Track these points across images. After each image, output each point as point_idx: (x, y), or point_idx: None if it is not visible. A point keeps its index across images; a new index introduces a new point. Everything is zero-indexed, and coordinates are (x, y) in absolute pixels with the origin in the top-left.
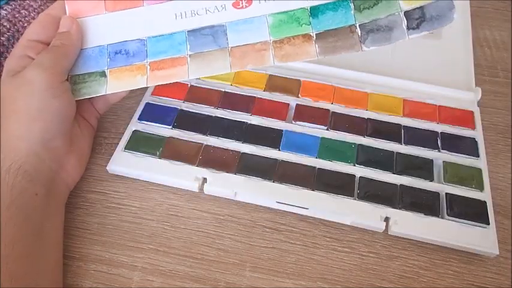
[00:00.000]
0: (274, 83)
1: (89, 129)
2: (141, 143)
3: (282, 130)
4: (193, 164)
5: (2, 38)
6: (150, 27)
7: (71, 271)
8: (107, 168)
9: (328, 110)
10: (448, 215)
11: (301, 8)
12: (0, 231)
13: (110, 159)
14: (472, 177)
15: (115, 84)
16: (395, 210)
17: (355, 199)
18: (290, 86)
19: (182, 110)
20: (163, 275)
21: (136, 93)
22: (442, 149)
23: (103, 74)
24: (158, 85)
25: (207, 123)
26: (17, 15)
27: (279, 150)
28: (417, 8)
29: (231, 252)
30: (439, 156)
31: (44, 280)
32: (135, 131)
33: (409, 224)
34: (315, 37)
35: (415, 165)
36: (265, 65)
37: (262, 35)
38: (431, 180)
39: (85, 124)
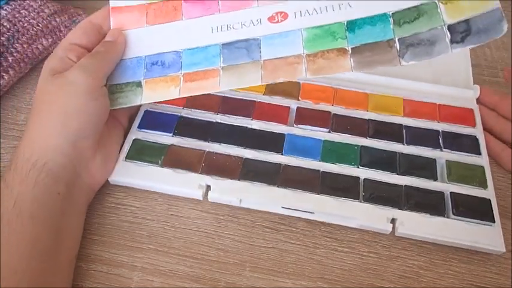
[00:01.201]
0: (274, 86)
1: (119, 129)
2: (142, 152)
3: (284, 134)
4: (196, 172)
5: (2, 38)
6: (186, 40)
7: None
8: (109, 179)
9: (329, 112)
10: (454, 214)
11: (338, 23)
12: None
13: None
14: (475, 175)
15: (149, 94)
16: (401, 211)
17: (360, 201)
18: (290, 89)
19: (182, 116)
20: (163, 275)
21: None
22: (444, 148)
23: (139, 85)
24: None
25: (208, 129)
26: (17, 15)
27: (282, 154)
28: (462, 21)
29: (231, 252)
30: (442, 155)
31: (56, 280)
32: (135, 140)
33: (416, 224)
34: (350, 51)
35: (418, 165)
36: (297, 78)
37: (296, 48)
38: (435, 179)
39: (114, 123)
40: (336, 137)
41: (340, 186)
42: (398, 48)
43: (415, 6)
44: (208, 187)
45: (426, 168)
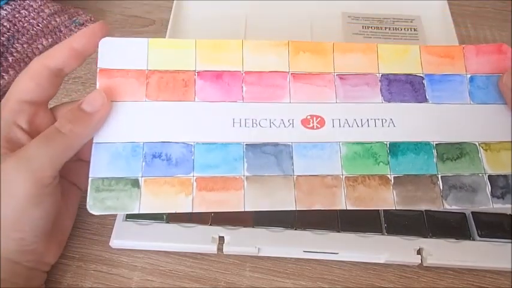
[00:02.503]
0: None
1: (75, 196)
2: None
3: None
4: (206, 224)
5: (2, 38)
6: (200, 130)
7: (71, 271)
8: (110, 244)
9: None
10: (480, 236)
11: (380, 142)
12: None
13: None
14: None
15: (150, 201)
16: (426, 239)
17: (383, 234)
18: None
19: None
20: (163, 275)
21: None
22: None
23: (135, 184)
24: None
25: None
26: (17, 15)
27: None
28: (502, 175)
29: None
30: None
31: None
32: None
33: (443, 252)
34: (393, 181)
35: None
36: (335, 207)
37: (334, 167)
38: None
39: (71, 192)
40: None
41: (360, 219)
42: (441, 187)
43: (458, 143)
44: (221, 238)
45: None
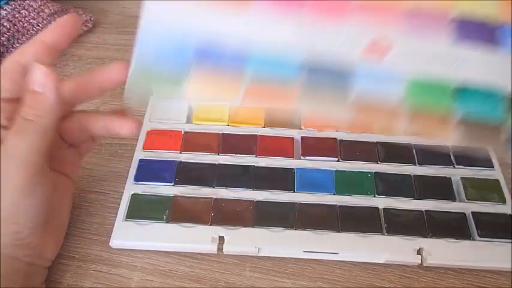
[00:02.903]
0: (274, 117)
1: (69, 188)
2: (143, 208)
3: (293, 169)
4: (206, 224)
5: (2, 38)
6: (256, 37)
7: (71, 271)
8: (110, 244)
9: (334, 138)
10: (480, 236)
11: (447, 80)
12: None
13: (110, 159)
14: (492, 190)
15: (198, 91)
16: (426, 239)
17: (383, 234)
18: (291, 118)
19: (181, 162)
20: (163, 275)
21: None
22: (457, 165)
23: (184, 74)
24: (153, 136)
25: (211, 173)
26: (17, 15)
27: (294, 191)
28: None
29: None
30: (456, 173)
31: None
32: (134, 195)
33: (443, 252)
34: (456, 122)
35: (434, 187)
36: (392, 133)
37: (395, 97)
38: (454, 200)
39: (64, 184)
40: (347, 165)
41: (360, 220)
42: (508, 136)
43: None
44: (221, 238)
45: (443, 189)
